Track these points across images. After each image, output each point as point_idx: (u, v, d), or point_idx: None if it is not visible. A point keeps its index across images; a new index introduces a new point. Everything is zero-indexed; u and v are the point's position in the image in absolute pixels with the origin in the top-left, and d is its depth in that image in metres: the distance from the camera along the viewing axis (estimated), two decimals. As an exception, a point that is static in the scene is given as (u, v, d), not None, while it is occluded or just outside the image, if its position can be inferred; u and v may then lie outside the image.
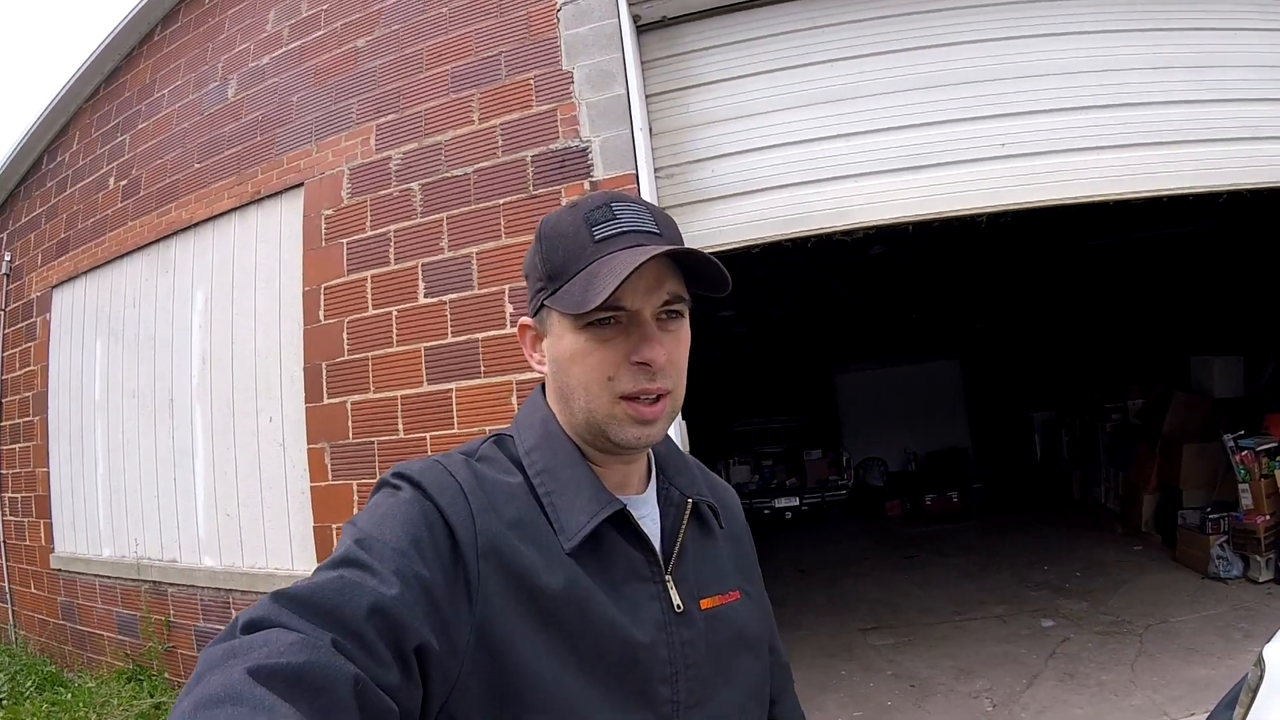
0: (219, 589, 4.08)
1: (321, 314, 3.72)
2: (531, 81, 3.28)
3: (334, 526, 3.52)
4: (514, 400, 3.05)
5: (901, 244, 6.23)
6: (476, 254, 3.22)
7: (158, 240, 4.74)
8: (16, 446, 5.84)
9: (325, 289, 3.72)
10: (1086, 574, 5.45)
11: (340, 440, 3.54)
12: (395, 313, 3.43)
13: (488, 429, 2.87)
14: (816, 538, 8.86)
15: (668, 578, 0.75)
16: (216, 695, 0.46)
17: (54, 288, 5.63)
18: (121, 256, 5.01)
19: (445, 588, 0.62)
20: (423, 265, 3.38)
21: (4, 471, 5.98)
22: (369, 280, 3.56)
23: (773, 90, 3.13)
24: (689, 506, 0.80)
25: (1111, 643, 4.03)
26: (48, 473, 5.47)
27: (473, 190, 3.30)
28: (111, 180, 5.19)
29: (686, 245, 0.71)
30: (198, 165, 4.51)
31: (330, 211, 3.77)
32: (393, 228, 3.52)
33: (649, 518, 0.78)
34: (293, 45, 4.15)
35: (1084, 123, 3.09)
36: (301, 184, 3.94)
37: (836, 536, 8.80)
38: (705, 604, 0.77)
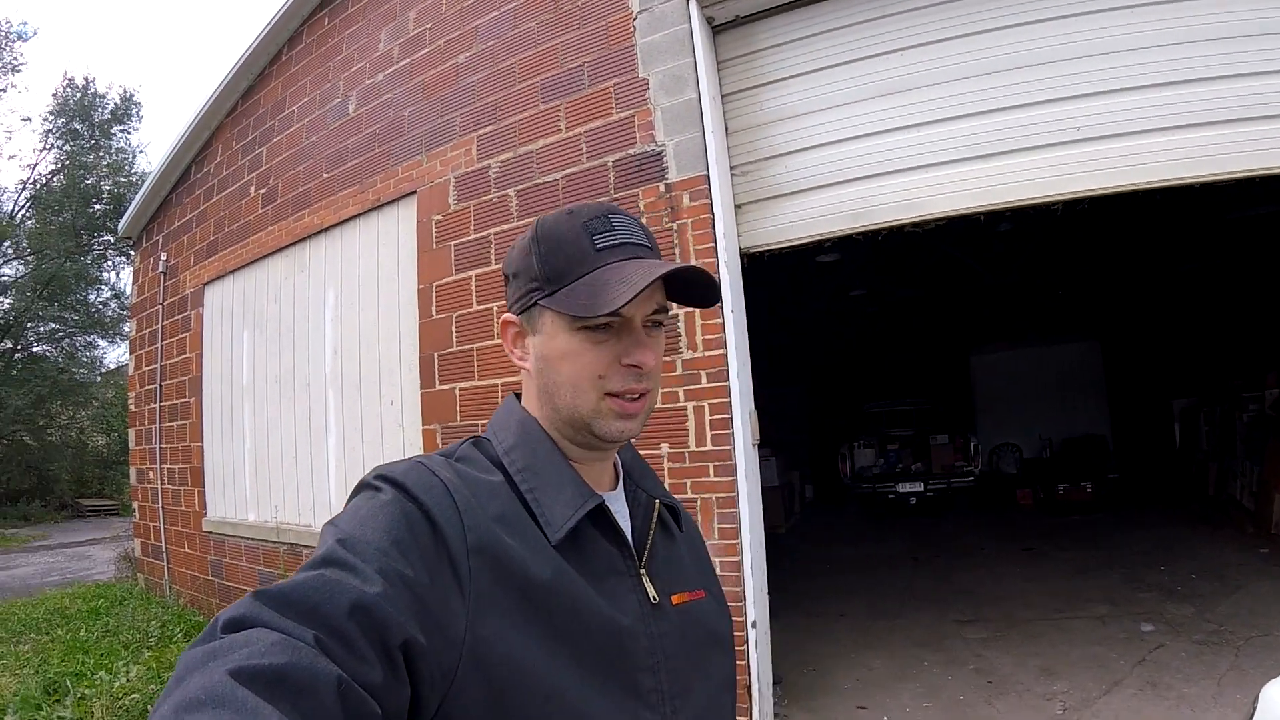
0: None
1: (434, 310, 4.58)
2: (611, 90, 3.93)
3: None
4: None
5: (1031, 221, 6.42)
6: (566, 253, 3.92)
7: (294, 243, 5.84)
8: (174, 424, 7.32)
9: (436, 287, 4.58)
10: (1202, 577, 5.54)
11: (450, 422, 4.40)
12: (495, 308, 4.23)
13: None
14: (937, 526, 9.21)
15: (642, 571, 0.86)
16: (198, 698, 0.50)
17: (205, 285, 6.96)
18: (263, 257, 6.18)
19: (432, 585, 0.69)
20: (520, 264, 4.12)
21: (163, 446, 7.55)
22: (473, 279, 4.37)
23: (842, 83, 3.58)
24: (656, 507, 0.92)
25: (1207, 653, 4.18)
26: (201, 447, 6.88)
27: (561, 195, 4.01)
28: (252, 189, 6.37)
29: (689, 263, 0.97)
30: (325, 175, 5.53)
31: (439, 217, 4.62)
32: (493, 231, 4.31)
33: (621, 515, 0.90)
34: (403, 63, 5.04)
35: (1166, 100, 3.23)
36: (414, 192, 4.82)
37: (959, 526, 9.09)
38: (676, 599, 0.88)
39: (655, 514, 0.92)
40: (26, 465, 19.02)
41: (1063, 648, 4.49)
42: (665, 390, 3.45)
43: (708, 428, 3.40)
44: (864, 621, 5.41)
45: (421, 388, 4.64)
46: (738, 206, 3.61)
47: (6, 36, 19.56)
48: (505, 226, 4.27)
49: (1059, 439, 10.56)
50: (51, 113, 21.34)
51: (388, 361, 4.98)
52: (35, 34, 30.98)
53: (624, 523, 0.89)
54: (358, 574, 0.65)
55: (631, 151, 3.80)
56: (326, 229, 5.57)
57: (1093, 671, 4.11)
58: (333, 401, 5.42)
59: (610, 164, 3.85)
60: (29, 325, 21.19)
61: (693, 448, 3.43)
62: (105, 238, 21.51)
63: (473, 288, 4.40)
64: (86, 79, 23.81)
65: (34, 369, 20.15)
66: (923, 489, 9.67)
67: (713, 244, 3.41)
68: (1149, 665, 4.13)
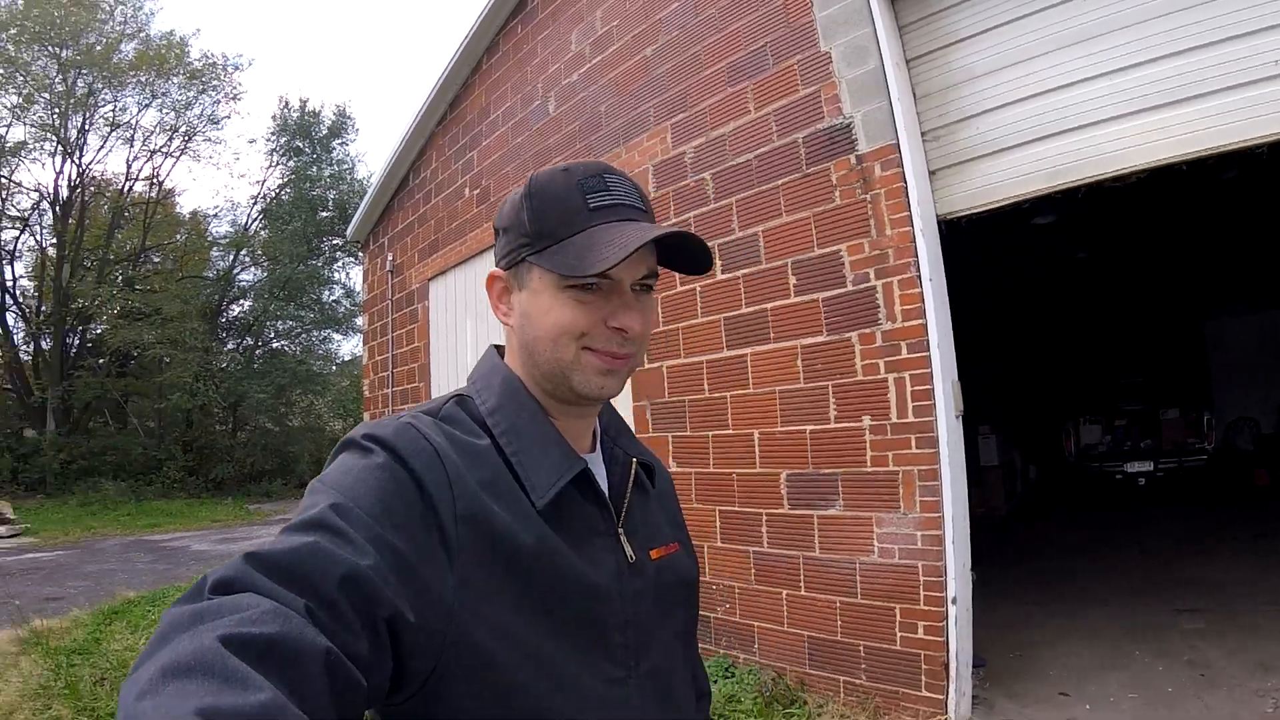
0: None
1: (642, 291, 5.24)
2: (795, 67, 4.33)
3: None
4: (799, 364, 4.20)
5: (1259, 167, 5.99)
6: (762, 232, 4.41)
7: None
8: (405, 407, 8.59)
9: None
10: None
11: (658, 399, 5.07)
12: (699, 288, 4.80)
13: (777, 390, 4.10)
14: (1165, 508, 8.93)
15: (620, 531, 0.94)
16: (187, 663, 0.51)
17: (429, 280, 8.18)
18: (481, 252, 7.21)
19: (421, 556, 0.74)
20: (718, 245, 4.67)
21: None
22: (677, 260, 4.96)
23: (1027, 36, 3.71)
24: (634, 466, 1.00)
25: None
26: None
27: (754, 175, 4.49)
28: (466, 190, 7.41)
29: (682, 228, 0.91)
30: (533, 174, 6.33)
31: (640, 203, 5.25)
32: (692, 214, 4.87)
33: (600, 476, 0.96)
34: (595, 61, 5.72)
35: None
36: (614, 182, 5.47)
37: (1187, 508, 8.75)
38: (654, 554, 0.97)
39: (633, 473, 0.99)
40: (269, 448, 22.78)
41: (1285, 642, 4.40)
42: (866, 361, 3.87)
43: (909, 399, 3.72)
44: (1078, 608, 5.51)
45: (633, 366, 5.33)
46: (931, 173, 3.88)
47: (225, 69, 23.10)
48: (703, 209, 4.82)
49: None
50: (273, 133, 25.31)
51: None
52: (250, 64, 35.67)
53: (602, 483, 0.96)
54: (350, 543, 0.69)
55: (820, 126, 4.19)
56: (537, 223, 6.41)
57: (1313, 671, 4.02)
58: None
59: (800, 140, 4.27)
60: (268, 324, 25.41)
61: (894, 420, 3.77)
62: (334, 241, 25.26)
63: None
64: (302, 100, 28.04)
65: (274, 363, 24.13)
66: (1152, 468, 9.38)
67: (907, 212, 3.74)
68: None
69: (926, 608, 3.63)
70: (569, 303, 0.88)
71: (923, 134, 3.96)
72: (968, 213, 3.80)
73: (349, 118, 26.88)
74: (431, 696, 0.76)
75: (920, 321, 3.67)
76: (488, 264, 7.38)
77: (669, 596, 0.99)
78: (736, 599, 4.51)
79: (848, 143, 4.06)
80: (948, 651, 3.59)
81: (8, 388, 20.75)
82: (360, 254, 10.77)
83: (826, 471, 4.04)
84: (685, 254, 0.95)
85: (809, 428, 4.14)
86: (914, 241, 3.70)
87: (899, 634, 3.71)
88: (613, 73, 5.60)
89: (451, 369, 7.89)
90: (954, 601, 3.58)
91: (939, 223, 3.83)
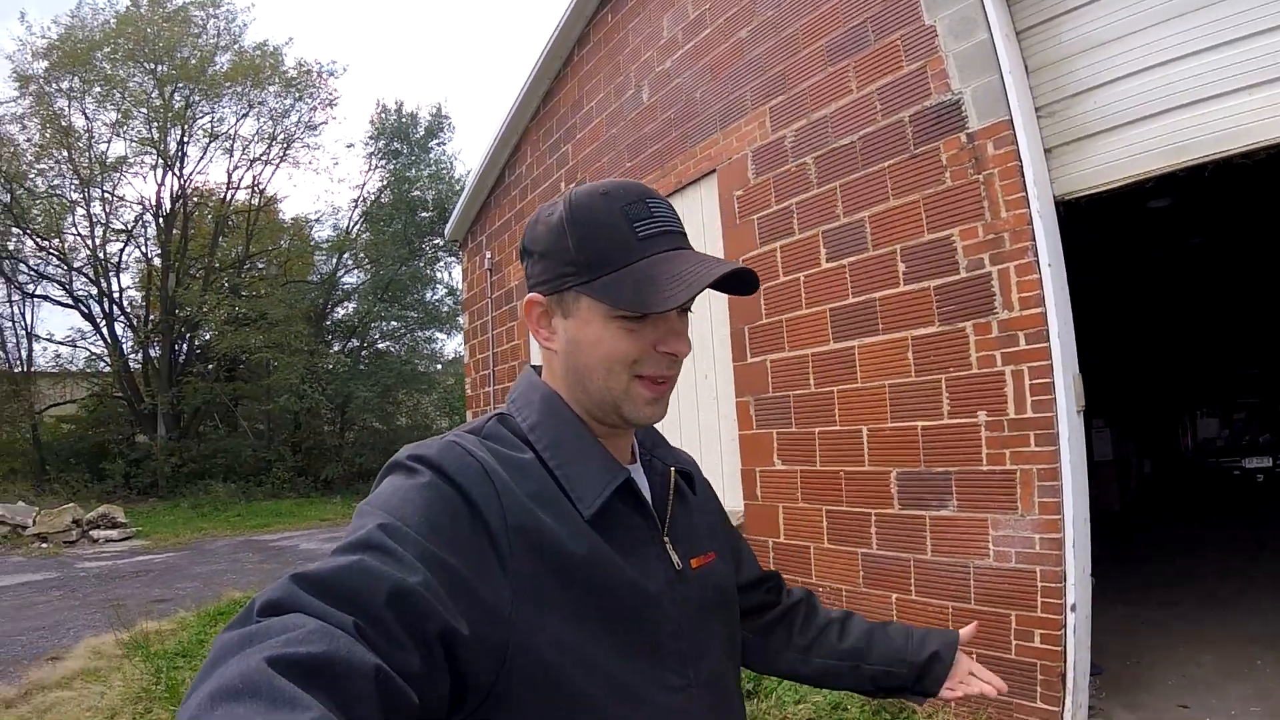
0: None
1: (742, 283, 5.27)
2: (899, 42, 4.29)
3: (757, 469, 5.15)
4: (909, 356, 4.16)
5: None
6: (868, 218, 4.40)
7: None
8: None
9: (743, 261, 5.25)
10: None
11: (762, 394, 5.11)
12: (802, 278, 4.81)
13: (887, 384, 4.08)
14: None
15: (666, 540, 0.99)
16: (235, 686, 0.54)
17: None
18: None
19: (473, 569, 0.78)
20: (823, 233, 4.67)
21: None
22: (778, 250, 5.00)
23: (1145, 2, 3.53)
24: (673, 475, 1.07)
25: None
26: None
27: (859, 157, 4.47)
28: (562, 184, 7.63)
29: (736, 262, 1.04)
30: (628, 164, 6.50)
31: (740, 192, 5.31)
32: (794, 201, 4.89)
33: (642, 486, 1.02)
34: (688, 46, 5.80)
35: None
36: (714, 171, 5.57)
37: None
38: (694, 563, 1.02)
39: (673, 482, 1.07)
40: (377, 448, 23.76)
41: None
42: (981, 353, 3.82)
43: (1027, 393, 3.64)
44: (1196, 612, 5.33)
45: (734, 361, 5.39)
46: (1047, 151, 3.77)
47: (320, 75, 24.40)
48: (805, 195, 4.83)
49: None
50: (371, 137, 26.70)
51: (701, 338, 5.82)
52: (345, 70, 37.55)
53: (645, 493, 1.01)
54: (398, 561, 0.72)
55: (927, 103, 4.13)
56: (632, 215, 6.53)
57: None
58: (654, 379, 6.40)
59: (907, 119, 4.22)
60: (373, 325, 26.61)
61: (1011, 415, 3.70)
62: (435, 240, 26.35)
63: (778, 259, 5.02)
64: (397, 103, 29.37)
65: (379, 363, 25.43)
66: (1271, 464, 9.13)
67: (1023, 193, 3.65)
68: None
69: (1044, 615, 3.56)
70: (619, 332, 0.93)
71: (1036, 110, 3.86)
72: (1087, 192, 3.69)
73: (445, 117, 28.02)
74: (496, 709, 0.79)
75: (1039, 310, 3.59)
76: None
77: (713, 605, 1.04)
78: (844, 601, 4.51)
79: (957, 120, 3.99)
80: (1065, 661, 3.52)
81: (119, 395, 22.26)
82: (459, 253, 11.19)
83: (939, 470, 4.00)
84: (734, 280, 0.97)
85: (921, 424, 4.11)
86: (1031, 224, 3.62)
87: (1014, 642, 3.65)
88: (707, 57, 5.67)
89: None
90: (1073, 609, 3.51)
91: (1056, 204, 3.73)
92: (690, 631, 0.97)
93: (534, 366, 1.07)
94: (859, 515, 4.45)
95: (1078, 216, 3.96)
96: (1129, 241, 8.83)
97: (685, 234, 0.99)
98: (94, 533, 14.18)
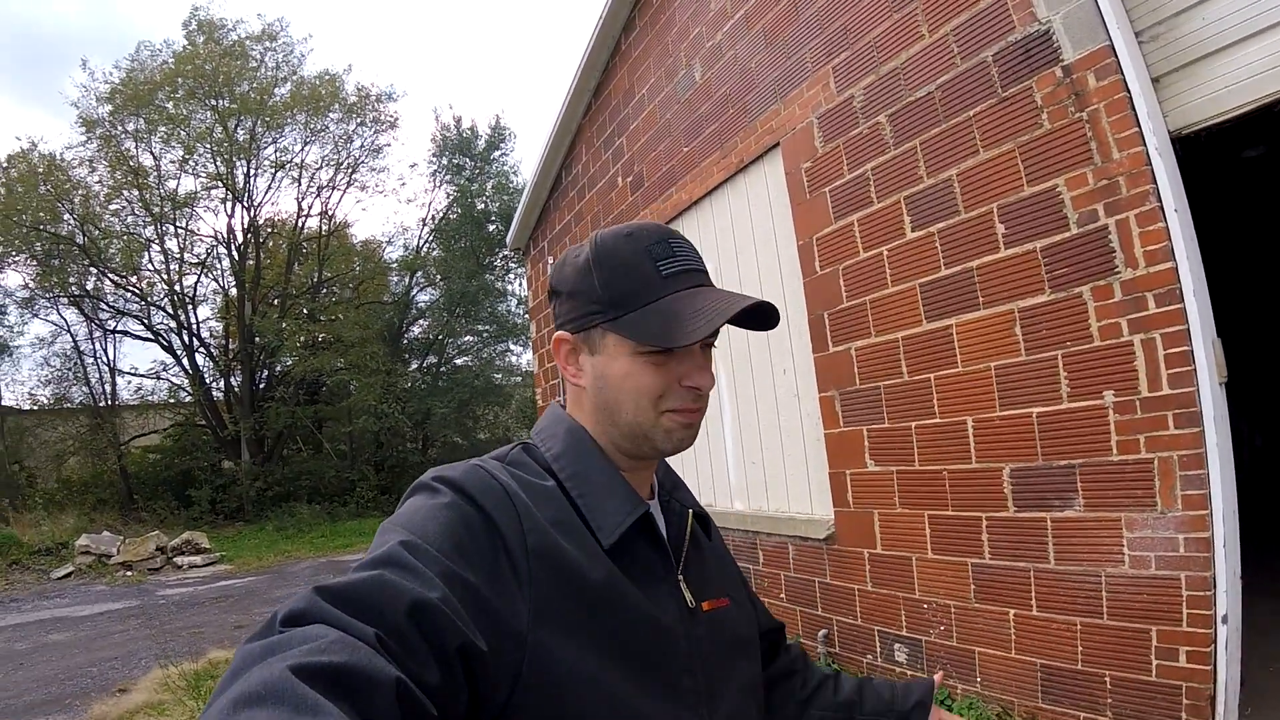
0: (747, 531, 5.74)
1: (817, 265, 4.90)
2: (977, -27, 3.83)
3: (847, 472, 4.71)
4: (1017, 331, 3.70)
5: None
6: (957, 176, 3.96)
7: (667, 223, 6.57)
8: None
9: (817, 240, 4.89)
10: None
11: (848, 387, 4.70)
12: (885, 252, 4.40)
13: (993, 366, 3.63)
14: None
15: (680, 578, 1.03)
16: (257, 693, 0.55)
17: (593, 282, 8.13)
18: (639, 245, 7.05)
19: (492, 588, 0.81)
20: (905, 198, 4.25)
21: None
22: (855, 224, 4.60)
23: None
24: (690, 517, 1.12)
25: None
26: None
27: (939, 109, 4.04)
28: (619, 179, 7.35)
29: (755, 297, 1.01)
30: (686, 149, 6.19)
31: (808, 164, 4.92)
32: (869, 166, 4.49)
33: (660, 523, 1.08)
34: (737, 16, 5.47)
35: None
36: (777, 144, 5.20)
37: None
38: (706, 606, 1.06)
39: (689, 524, 1.11)
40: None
41: None
42: (1104, 322, 3.33)
43: (1161, 366, 3.14)
44: None
45: (814, 351, 4.98)
46: (1154, 81, 3.26)
47: (379, 100, 24.98)
48: (881, 159, 4.42)
49: None
50: (434, 155, 27.21)
51: (776, 328, 5.42)
52: (404, 94, 38.74)
53: (661, 531, 1.07)
54: (418, 577, 0.75)
55: (1012, 38, 3.69)
56: (695, 203, 6.24)
57: None
58: (724, 378, 6.07)
59: (990, 59, 3.78)
60: (448, 341, 27.11)
61: (1144, 393, 3.21)
62: (505, 253, 26.65)
63: (856, 233, 4.62)
64: (456, 118, 29.82)
65: (456, 379, 26.07)
66: None
67: (1136, 128, 3.17)
68: None
69: (1190, 629, 3.07)
70: (645, 367, 0.99)
71: (1136, 34, 3.35)
72: (1207, 124, 3.14)
73: (504, 128, 28.44)
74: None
75: (1168, 265, 3.09)
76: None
77: (729, 650, 1.06)
78: (953, 619, 4.07)
79: (1049, 52, 3.53)
80: (1215, 681, 3.03)
81: (202, 424, 23.23)
82: (523, 261, 11.07)
83: (1061, 463, 3.53)
84: (755, 315, 1.03)
85: (1036, 410, 3.64)
86: (1149, 163, 3.13)
87: (1155, 661, 3.16)
88: (759, 23, 5.30)
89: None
90: (1224, 620, 3.02)
91: (1172, 140, 3.22)
92: (704, 670, 0.99)
93: (558, 403, 1.13)
94: (967, 520, 3.99)
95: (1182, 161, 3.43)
96: (1223, 195, 8.08)
97: (707, 272, 1.05)
98: (178, 559, 14.67)
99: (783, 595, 5.41)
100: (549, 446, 1.04)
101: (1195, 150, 3.40)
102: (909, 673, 4.37)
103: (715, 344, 1.05)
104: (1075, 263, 3.44)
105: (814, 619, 5.12)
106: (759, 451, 5.77)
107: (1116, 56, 3.27)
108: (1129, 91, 3.19)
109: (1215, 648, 3.04)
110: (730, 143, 5.72)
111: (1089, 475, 3.42)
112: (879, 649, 4.59)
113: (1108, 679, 3.33)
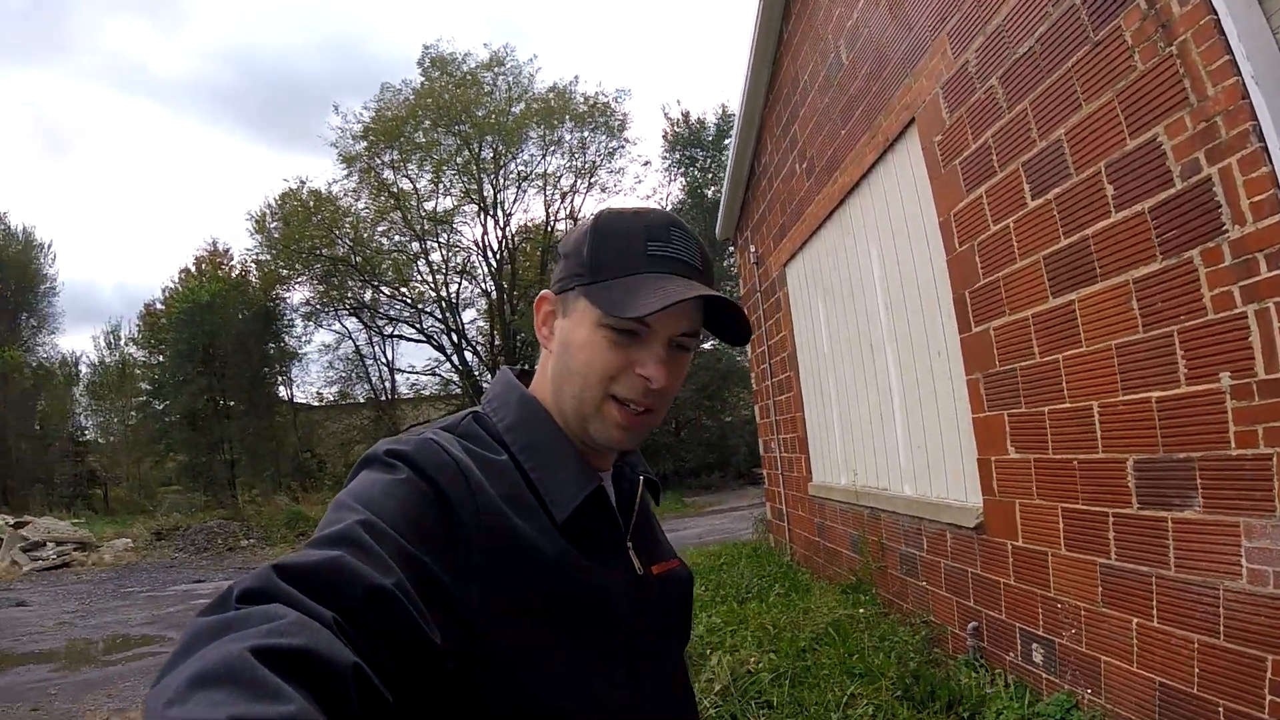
0: (913, 516, 5.30)
1: (956, 241, 4.42)
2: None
3: (992, 459, 4.17)
4: (1133, 305, 3.06)
5: None
6: (1064, 135, 3.39)
7: (834, 208, 6.31)
8: (782, 397, 8.78)
9: (954, 215, 4.42)
10: None
11: (989, 369, 4.18)
12: (1011, 224, 3.88)
13: (1113, 344, 3.09)
14: None
15: (629, 545, 1.02)
16: (215, 671, 0.52)
17: (784, 266, 7.99)
18: (817, 228, 6.86)
19: (445, 569, 0.78)
20: (1022, 165, 3.72)
21: (777, 418, 9.09)
22: (984, 196, 4.10)
23: None
24: (640, 484, 1.09)
25: None
26: (802, 416, 8.02)
27: (1040, 63, 3.49)
28: (796, 166, 7.12)
29: (727, 297, 0.97)
30: (844, 132, 5.88)
31: (939, 137, 4.47)
32: (989, 134, 3.99)
33: (610, 491, 1.04)
34: (869, -11, 5.01)
35: None
36: (912, 119, 4.75)
37: None
38: (655, 569, 1.04)
39: (639, 491, 1.08)
40: (706, 444, 25.15)
41: None
42: (1216, 291, 2.65)
43: (1277, 341, 2.43)
44: None
45: (959, 332, 4.49)
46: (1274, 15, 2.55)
47: (607, 105, 25.96)
48: (998, 124, 3.88)
49: None
50: (666, 151, 27.58)
51: (929, 309, 4.97)
52: (629, 95, 40.04)
53: (612, 498, 1.03)
54: (375, 558, 0.71)
55: (1112, -27, 3.07)
56: (855, 186, 5.87)
57: None
58: (892, 359, 5.65)
59: (1079, 2, 3.18)
60: None
61: (1261, 375, 2.49)
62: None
63: (985, 205, 4.10)
64: (684, 113, 30.10)
65: (699, 362, 26.70)
66: None
67: (1228, 55, 2.48)
68: None
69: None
70: (602, 342, 0.92)
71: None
72: None
73: (731, 115, 28.15)
74: (457, 704, 0.79)
75: (1278, 218, 2.43)
76: (823, 239, 7.02)
77: (672, 609, 1.06)
78: (1082, 623, 3.49)
79: (1150, -17, 2.90)
80: None
81: (472, 413, 26.65)
82: (732, 250, 11.04)
83: (1180, 456, 2.89)
84: (726, 319, 0.98)
85: (1154, 394, 3.01)
86: (1245, 96, 2.46)
87: (1268, 698, 2.46)
88: (885, -5, 4.85)
89: (811, 354, 7.63)
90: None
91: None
92: (653, 634, 0.99)
93: (508, 367, 1.09)
94: (1095, 516, 3.40)
95: None
96: None
97: (701, 270, 0.97)
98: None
99: (942, 585, 4.94)
100: (501, 416, 0.99)
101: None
102: (1045, 676, 3.82)
103: (690, 345, 0.97)
104: (1182, 223, 2.78)
105: (967, 611, 4.62)
106: (922, 435, 5.32)
107: (1220, -19, 2.61)
108: (1215, 13, 2.53)
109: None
110: (876, 122, 5.28)
111: (1207, 470, 2.76)
112: (1019, 647, 4.05)
113: (1221, 710, 2.68)
